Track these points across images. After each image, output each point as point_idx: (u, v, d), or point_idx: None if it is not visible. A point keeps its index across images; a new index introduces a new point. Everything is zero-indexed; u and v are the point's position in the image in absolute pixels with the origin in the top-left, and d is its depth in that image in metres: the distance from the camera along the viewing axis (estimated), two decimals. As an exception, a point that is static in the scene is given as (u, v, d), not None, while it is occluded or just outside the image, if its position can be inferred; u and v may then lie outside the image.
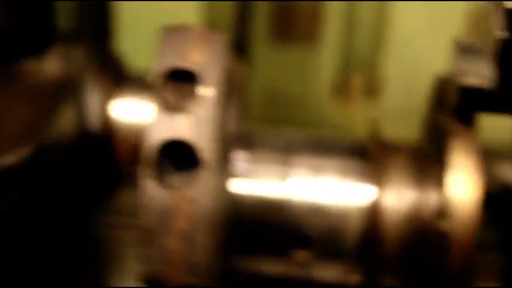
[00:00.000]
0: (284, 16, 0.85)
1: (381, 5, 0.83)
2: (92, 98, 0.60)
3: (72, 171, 0.58)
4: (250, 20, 0.87)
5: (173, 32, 0.46)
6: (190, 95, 0.45)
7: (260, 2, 0.85)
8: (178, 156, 0.46)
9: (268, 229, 0.52)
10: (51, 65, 0.60)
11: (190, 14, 0.86)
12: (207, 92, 0.45)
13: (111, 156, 0.61)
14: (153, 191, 0.44)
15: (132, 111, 0.62)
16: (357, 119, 0.87)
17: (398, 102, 0.86)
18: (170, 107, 0.45)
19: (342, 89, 0.87)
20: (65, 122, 0.57)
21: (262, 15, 0.85)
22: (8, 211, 0.50)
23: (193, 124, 0.44)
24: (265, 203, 0.52)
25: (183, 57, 0.45)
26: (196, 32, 0.46)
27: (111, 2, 0.87)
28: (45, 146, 0.53)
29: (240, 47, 0.89)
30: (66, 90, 0.59)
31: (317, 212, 0.51)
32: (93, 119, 0.60)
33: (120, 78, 0.62)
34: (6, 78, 0.59)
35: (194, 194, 0.43)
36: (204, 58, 0.45)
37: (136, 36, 0.87)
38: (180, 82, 0.46)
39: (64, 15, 0.90)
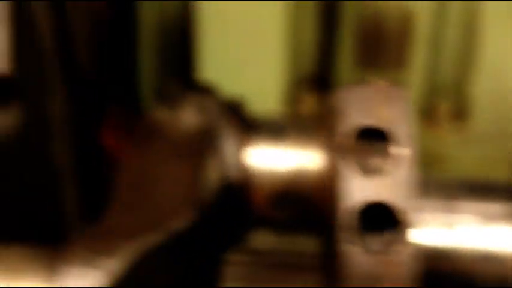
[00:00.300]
0: (371, 43, 0.84)
1: (469, 27, 0.83)
2: (228, 147, 0.59)
3: (215, 223, 0.57)
4: (335, 48, 0.86)
5: (356, 89, 0.45)
6: (384, 154, 0.44)
7: (345, 30, 0.84)
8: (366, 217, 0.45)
9: (437, 279, 0.51)
10: (187, 116, 0.58)
11: (273, 43, 0.84)
12: (402, 151, 0.44)
13: (247, 203, 0.60)
14: (356, 257, 0.42)
15: (265, 158, 0.60)
16: (445, 144, 0.86)
17: (488, 126, 0.85)
18: (365, 169, 0.43)
19: (429, 114, 0.86)
20: (212, 175, 0.56)
21: (348, 41, 0.84)
22: (175, 276, 0.49)
23: (392, 185, 0.43)
24: (434, 253, 0.50)
25: (372, 115, 0.44)
26: (380, 88, 0.45)
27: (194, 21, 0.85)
28: (203, 204, 0.52)
29: (324, 75, 0.88)
30: (207, 141, 0.57)
31: (489, 261, 0.50)
32: (231, 169, 0.59)
33: (248, 124, 0.61)
34: (147, 130, 0.58)
35: (400, 257, 0.42)
36: (393, 115, 0.44)
37: (220, 62, 0.85)
38: (366, 140, 0.44)
39: (149, 42, 0.89)
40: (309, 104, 0.89)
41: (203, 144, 0.57)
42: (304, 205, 0.59)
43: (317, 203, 0.58)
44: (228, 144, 0.59)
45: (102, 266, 0.46)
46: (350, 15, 0.83)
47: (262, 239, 0.80)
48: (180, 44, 0.88)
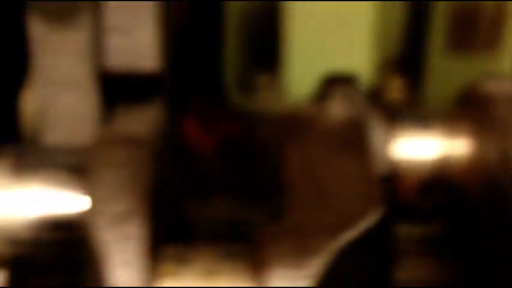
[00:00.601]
0: (463, 23, 0.82)
1: None
2: (377, 138, 0.58)
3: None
4: (425, 29, 0.85)
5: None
6: None
7: (437, 10, 0.83)
8: None
9: None
10: (336, 108, 0.57)
11: (361, 26, 0.83)
12: None
13: (394, 194, 0.59)
14: None
15: (411, 147, 0.60)
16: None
17: None
18: None
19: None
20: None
21: (438, 22, 0.83)
22: (367, 273, 0.48)
23: None
24: None
25: None
26: None
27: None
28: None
29: (412, 58, 0.87)
30: (360, 133, 0.56)
31: None
32: (381, 160, 0.58)
33: (391, 112, 0.60)
34: (299, 124, 0.56)
35: None
36: None
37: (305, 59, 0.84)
38: None
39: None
40: (395, 88, 0.88)
41: (358, 136, 0.56)
42: (452, 194, 0.58)
43: (466, 191, 0.57)
44: (376, 135, 0.58)
45: (306, 266, 0.45)
46: (442, -5, 0.82)
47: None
48: (265, 32, 0.86)
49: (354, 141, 0.54)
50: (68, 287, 0.51)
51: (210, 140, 0.91)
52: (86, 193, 0.48)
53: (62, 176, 0.51)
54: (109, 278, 0.45)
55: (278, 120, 0.57)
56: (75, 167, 0.51)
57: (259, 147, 0.91)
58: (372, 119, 0.57)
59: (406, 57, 0.88)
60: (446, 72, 0.85)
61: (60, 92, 0.54)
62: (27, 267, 0.51)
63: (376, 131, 0.57)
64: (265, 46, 0.88)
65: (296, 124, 0.55)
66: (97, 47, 0.54)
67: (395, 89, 0.89)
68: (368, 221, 0.47)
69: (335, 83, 0.57)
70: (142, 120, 0.54)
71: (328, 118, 0.56)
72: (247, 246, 0.49)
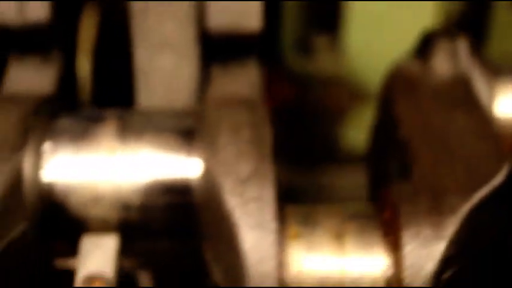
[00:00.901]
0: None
1: None
2: (482, 94, 0.56)
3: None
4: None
5: None
6: None
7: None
8: None
9: None
10: (441, 66, 0.56)
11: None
12: None
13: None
14: None
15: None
16: None
17: None
18: None
19: None
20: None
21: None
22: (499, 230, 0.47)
23: None
24: None
25: None
26: None
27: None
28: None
29: (477, 15, 0.86)
30: (466, 89, 0.55)
31: None
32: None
33: (491, 68, 0.59)
34: (406, 82, 0.55)
35: None
36: None
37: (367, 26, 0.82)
38: None
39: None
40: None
41: (467, 93, 0.54)
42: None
43: None
44: (481, 91, 0.56)
45: (443, 226, 0.44)
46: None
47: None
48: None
49: (464, 98, 0.52)
50: (181, 252, 0.50)
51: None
52: (204, 157, 0.47)
53: (171, 139, 0.49)
54: (238, 242, 0.43)
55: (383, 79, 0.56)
56: (184, 130, 0.50)
57: (315, 110, 0.90)
58: (477, 75, 0.56)
59: (471, 15, 0.86)
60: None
61: (160, 54, 0.53)
62: (138, 232, 0.50)
63: (481, 88, 0.56)
64: (324, 6, 0.87)
65: (403, 82, 0.54)
66: (199, 8, 0.52)
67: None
68: (498, 179, 0.45)
69: (437, 38, 0.55)
70: (246, 81, 0.53)
71: (434, 75, 0.54)
72: (372, 206, 0.48)
